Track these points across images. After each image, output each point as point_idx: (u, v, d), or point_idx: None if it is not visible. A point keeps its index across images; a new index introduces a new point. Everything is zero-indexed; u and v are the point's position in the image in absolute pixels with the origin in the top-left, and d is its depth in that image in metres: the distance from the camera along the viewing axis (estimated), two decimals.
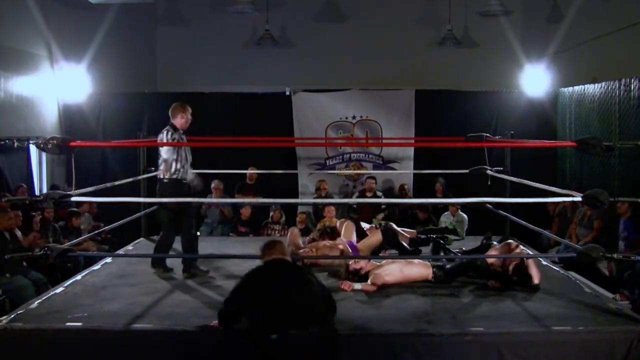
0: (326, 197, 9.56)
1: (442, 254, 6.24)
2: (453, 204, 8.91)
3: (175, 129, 5.91)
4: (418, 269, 5.43)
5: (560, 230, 8.67)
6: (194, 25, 12.79)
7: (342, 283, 5.30)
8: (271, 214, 9.11)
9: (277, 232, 8.88)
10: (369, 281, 5.30)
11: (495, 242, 6.27)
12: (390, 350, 4.18)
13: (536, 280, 5.24)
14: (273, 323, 3.63)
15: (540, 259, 6.28)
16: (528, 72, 11.11)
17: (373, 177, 9.70)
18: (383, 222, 6.86)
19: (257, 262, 6.11)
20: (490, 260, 5.40)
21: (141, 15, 12.28)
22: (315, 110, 10.44)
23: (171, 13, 12.88)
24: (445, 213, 9.22)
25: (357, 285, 5.25)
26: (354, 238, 6.42)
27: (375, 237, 6.45)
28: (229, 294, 4.03)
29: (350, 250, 6.13)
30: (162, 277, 5.80)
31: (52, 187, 9.35)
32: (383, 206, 9.58)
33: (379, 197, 9.62)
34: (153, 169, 7.49)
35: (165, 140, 5.81)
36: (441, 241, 6.47)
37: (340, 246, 6.14)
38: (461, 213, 9.06)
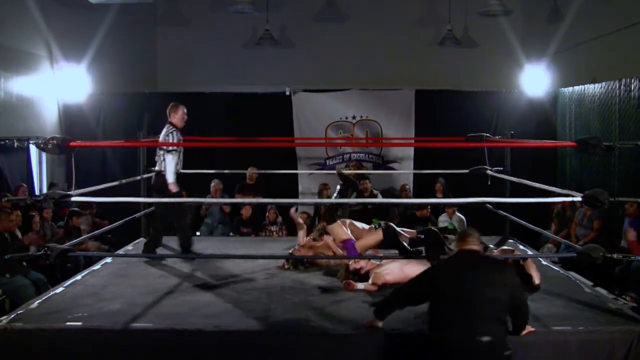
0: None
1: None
2: (451, 205, 8.91)
3: (177, 128, 6.32)
4: (418, 268, 5.42)
5: (560, 230, 8.68)
6: (194, 25, 12.80)
7: (346, 283, 5.32)
8: (267, 214, 9.10)
9: (274, 232, 8.87)
10: (369, 281, 5.30)
11: (491, 246, 6.27)
12: (391, 350, 4.19)
13: (537, 281, 5.23)
14: (451, 319, 3.52)
15: (540, 259, 6.28)
16: (528, 72, 11.11)
17: (367, 177, 9.66)
18: (383, 222, 6.85)
19: (258, 262, 6.19)
20: None
21: (141, 15, 12.29)
22: (315, 110, 10.44)
23: (171, 13, 12.88)
24: (443, 214, 9.21)
25: (360, 285, 5.26)
26: (347, 236, 6.40)
27: (375, 236, 6.45)
28: (411, 280, 3.92)
29: (347, 251, 6.13)
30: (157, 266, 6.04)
31: (50, 185, 9.35)
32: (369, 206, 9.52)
33: (375, 196, 9.60)
34: (153, 168, 7.50)
35: (176, 140, 6.24)
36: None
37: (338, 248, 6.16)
38: (458, 214, 9.05)
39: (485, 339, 3.48)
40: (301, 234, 6.61)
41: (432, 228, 6.42)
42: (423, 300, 3.84)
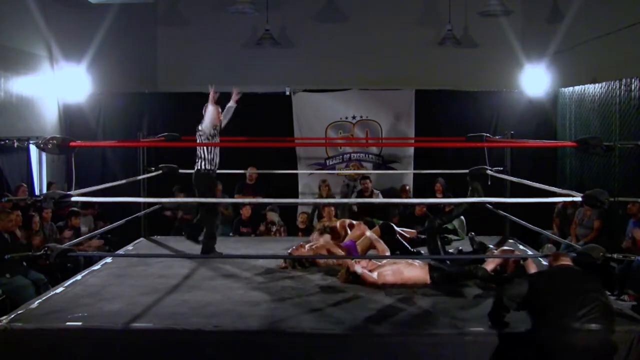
0: (327, 197, 9.54)
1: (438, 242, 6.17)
2: (451, 205, 8.89)
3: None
4: (417, 271, 5.45)
5: (560, 230, 8.67)
6: (194, 25, 12.77)
7: (347, 264, 5.41)
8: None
9: (272, 233, 8.86)
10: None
11: (491, 246, 6.26)
12: (391, 350, 4.18)
13: None
14: (559, 323, 3.84)
15: (540, 259, 6.27)
16: (528, 72, 11.10)
17: (367, 177, 9.65)
18: (382, 222, 6.86)
19: (258, 262, 6.19)
20: (490, 268, 5.39)
21: (141, 15, 12.26)
22: (315, 110, 10.44)
23: (171, 13, 12.86)
24: None
25: (358, 269, 5.29)
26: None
27: (373, 231, 6.46)
28: (509, 291, 4.15)
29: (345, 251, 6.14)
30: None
31: (48, 184, 9.35)
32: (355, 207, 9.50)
33: (375, 196, 9.59)
34: (153, 168, 7.51)
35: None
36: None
37: (336, 248, 6.18)
38: None
39: (594, 326, 3.81)
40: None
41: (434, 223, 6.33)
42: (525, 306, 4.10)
